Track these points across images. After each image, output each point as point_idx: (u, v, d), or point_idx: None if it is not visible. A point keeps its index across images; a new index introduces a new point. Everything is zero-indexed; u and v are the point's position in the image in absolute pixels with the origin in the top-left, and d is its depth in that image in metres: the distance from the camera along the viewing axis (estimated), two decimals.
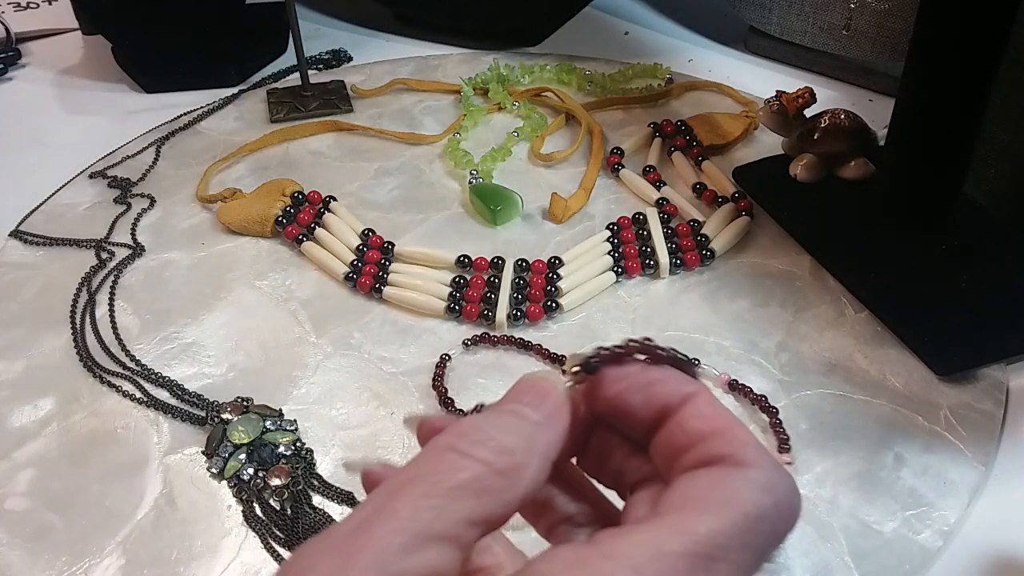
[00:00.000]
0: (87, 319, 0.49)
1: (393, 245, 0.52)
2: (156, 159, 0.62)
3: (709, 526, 0.22)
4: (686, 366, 0.27)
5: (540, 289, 0.49)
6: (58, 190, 0.60)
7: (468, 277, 0.49)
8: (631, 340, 0.27)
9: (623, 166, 0.59)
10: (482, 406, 0.39)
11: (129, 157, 0.62)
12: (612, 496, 0.27)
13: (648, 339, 0.26)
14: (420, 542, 0.21)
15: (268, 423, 0.42)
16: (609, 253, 0.51)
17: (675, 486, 0.23)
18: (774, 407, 0.42)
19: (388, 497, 0.22)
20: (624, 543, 0.22)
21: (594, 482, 0.29)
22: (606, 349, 0.26)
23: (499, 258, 0.51)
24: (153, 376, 0.45)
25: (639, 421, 0.26)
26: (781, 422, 0.41)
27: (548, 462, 0.24)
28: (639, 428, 0.26)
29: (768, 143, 0.60)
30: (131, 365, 0.46)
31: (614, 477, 0.27)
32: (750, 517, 0.22)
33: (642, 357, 0.27)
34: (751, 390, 0.42)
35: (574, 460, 0.28)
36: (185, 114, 0.67)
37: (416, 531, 0.21)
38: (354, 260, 0.51)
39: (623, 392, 0.26)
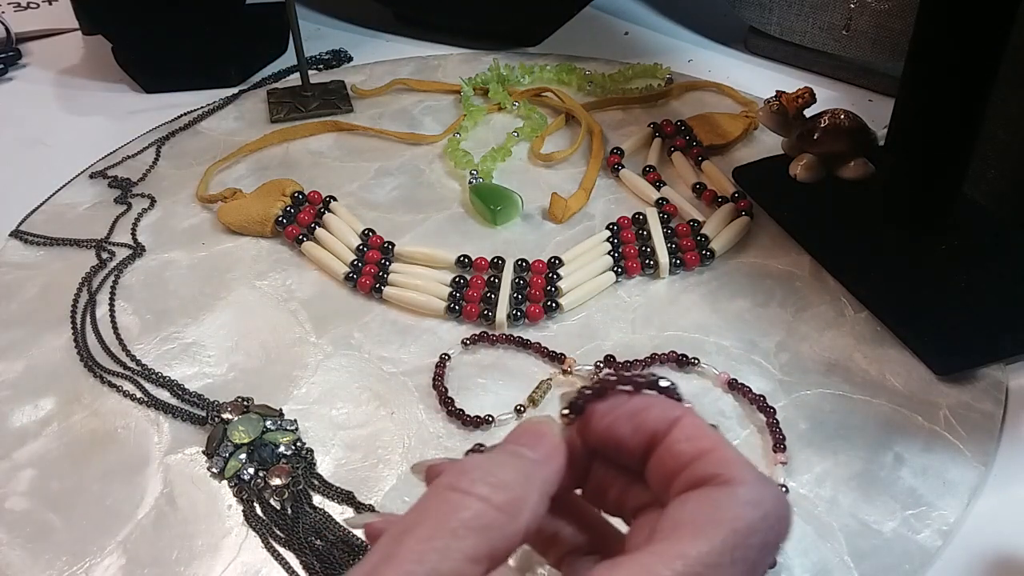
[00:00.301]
0: (87, 319, 0.49)
1: (393, 245, 0.52)
2: (156, 159, 0.62)
3: (699, 548, 0.22)
4: (667, 390, 0.28)
5: (540, 289, 0.49)
6: (58, 190, 0.60)
7: (468, 277, 0.49)
8: (610, 373, 0.28)
9: (623, 166, 0.59)
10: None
11: (129, 157, 0.62)
12: (620, 524, 0.28)
13: (625, 368, 0.27)
14: None
15: (268, 423, 0.42)
16: (609, 253, 0.51)
17: (666, 512, 0.24)
18: (772, 407, 0.42)
19: (394, 543, 0.23)
20: (614, 573, 0.22)
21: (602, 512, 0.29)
22: (589, 387, 0.28)
23: (499, 258, 0.51)
24: (153, 376, 0.45)
25: (631, 451, 0.27)
26: (778, 422, 0.41)
27: (546, 496, 0.25)
28: (632, 457, 0.27)
29: (768, 143, 0.60)
30: (131, 365, 0.46)
31: (616, 506, 0.28)
32: (739, 533, 0.23)
33: (625, 387, 0.28)
34: (750, 389, 0.42)
35: (579, 492, 0.29)
36: (185, 114, 0.67)
37: (422, 573, 0.22)
38: (354, 260, 0.51)
39: (612, 425, 0.27)
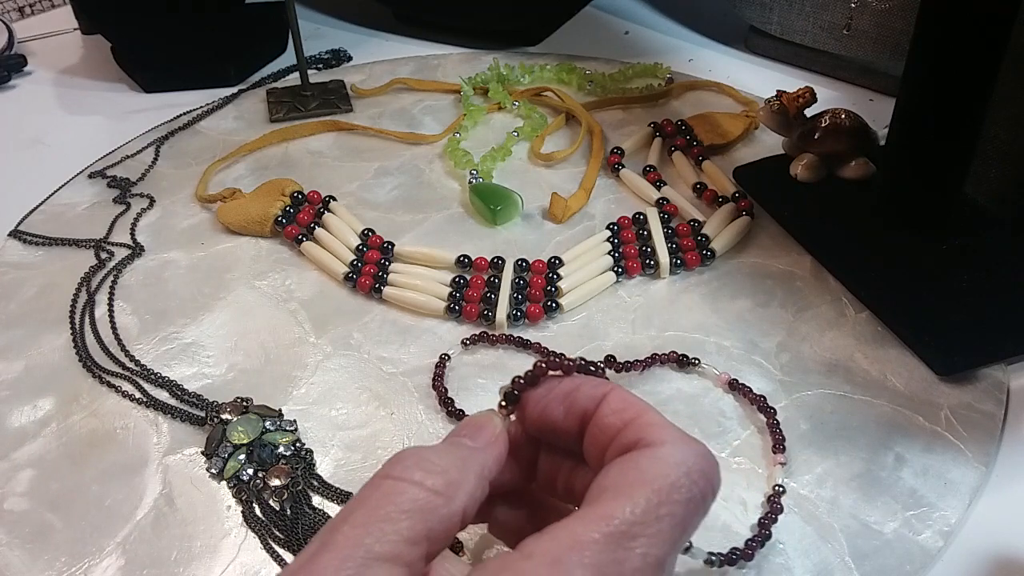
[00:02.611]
0: (86, 319, 0.49)
1: (393, 245, 0.52)
2: (155, 159, 0.62)
3: (622, 508, 0.23)
4: (596, 371, 0.29)
5: (540, 289, 0.49)
6: (57, 190, 0.60)
7: (468, 277, 0.49)
8: (540, 360, 0.29)
9: (623, 166, 0.58)
10: None
11: (128, 157, 0.62)
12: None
13: (558, 355, 0.29)
14: (363, 566, 0.22)
15: (268, 423, 0.42)
16: (609, 253, 0.51)
17: (594, 481, 0.25)
18: (772, 407, 0.41)
19: (331, 531, 0.23)
20: (542, 540, 0.23)
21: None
22: (522, 377, 0.29)
23: (499, 258, 0.51)
24: (152, 376, 0.45)
25: (567, 432, 0.28)
26: (779, 422, 0.41)
27: (484, 480, 0.26)
28: (570, 438, 0.28)
29: (768, 143, 0.60)
30: (130, 365, 0.46)
31: (566, 492, 0.29)
32: (662, 491, 0.24)
33: (556, 373, 0.29)
34: (751, 390, 0.42)
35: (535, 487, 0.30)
36: (185, 114, 0.67)
37: (359, 557, 0.22)
38: (354, 260, 0.51)
39: (546, 410, 0.28)
